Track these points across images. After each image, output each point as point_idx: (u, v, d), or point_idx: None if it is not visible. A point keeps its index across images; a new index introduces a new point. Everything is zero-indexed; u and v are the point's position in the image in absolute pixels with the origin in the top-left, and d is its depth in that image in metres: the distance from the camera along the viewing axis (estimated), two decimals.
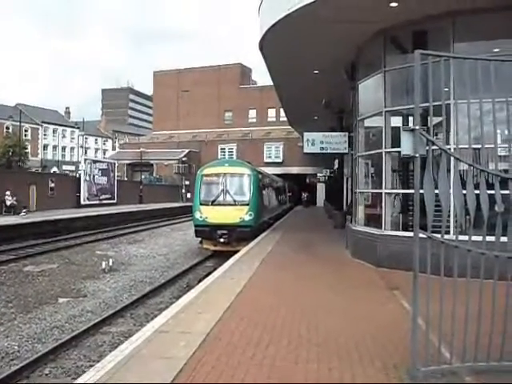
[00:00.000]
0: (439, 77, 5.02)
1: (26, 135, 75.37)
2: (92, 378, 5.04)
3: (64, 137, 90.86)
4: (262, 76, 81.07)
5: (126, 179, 62.40)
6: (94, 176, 43.23)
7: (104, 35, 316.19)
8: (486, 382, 4.83)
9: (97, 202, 42.76)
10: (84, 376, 5.31)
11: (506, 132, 5.51)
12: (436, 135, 6.22)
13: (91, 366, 6.29)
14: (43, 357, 8.05)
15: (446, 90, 5.26)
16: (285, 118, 38.11)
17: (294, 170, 63.78)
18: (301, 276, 11.22)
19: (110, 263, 16.80)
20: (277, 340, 6.27)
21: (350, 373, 5.14)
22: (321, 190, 56.43)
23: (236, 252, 15.67)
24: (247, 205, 20.02)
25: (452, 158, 5.14)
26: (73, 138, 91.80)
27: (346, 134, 20.83)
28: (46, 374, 7.61)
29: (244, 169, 21.42)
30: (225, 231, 19.25)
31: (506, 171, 5.14)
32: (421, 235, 4.79)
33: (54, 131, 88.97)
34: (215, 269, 13.40)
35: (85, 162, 43.55)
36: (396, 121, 12.77)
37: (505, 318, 4.85)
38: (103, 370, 5.25)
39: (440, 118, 5.32)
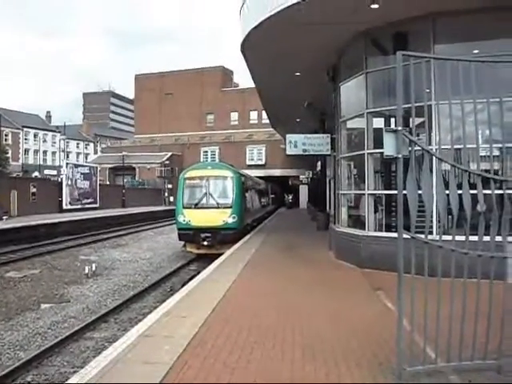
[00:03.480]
0: (421, 78, 5.05)
1: (6, 140, 74.47)
2: None
3: (45, 141, 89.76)
4: (243, 78, 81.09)
5: (108, 183, 62.08)
6: (76, 180, 42.90)
7: (84, 38, 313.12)
8: (470, 380, 4.85)
9: (79, 206, 42.45)
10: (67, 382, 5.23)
11: (487, 132, 5.56)
12: (418, 136, 6.26)
13: (75, 372, 6.21)
14: (25, 364, 7.94)
15: (428, 91, 5.27)
16: (267, 121, 38.04)
17: (277, 172, 63.88)
18: (285, 278, 11.20)
19: (93, 268, 16.68)
20: (262, 343, 6.25)
21: (336, 375, 5.14)
22: (304, 191, 56.57)
23: (220, 255, 15.62)
24: (230, 207, 20.02)
25: (434, 159, 5.17)
26: (54, 143, 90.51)
27: (329, 135, 20.85)
28: (29, 382, 7.51)
29: (227, 171, 21.39)
30: (208, 234, 19.23)
31: (487, 171, 5.18)
32: (404, 236, 4.80)
33: (35, 135, 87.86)
34: (199, 272, 13.35)
35: (67, 167, 43.18)
36: (378, 122, 12.81)
37: (488, 316, 4.89)
38: (87, 376, 5.18)
39: (422, 119, 5.35)
